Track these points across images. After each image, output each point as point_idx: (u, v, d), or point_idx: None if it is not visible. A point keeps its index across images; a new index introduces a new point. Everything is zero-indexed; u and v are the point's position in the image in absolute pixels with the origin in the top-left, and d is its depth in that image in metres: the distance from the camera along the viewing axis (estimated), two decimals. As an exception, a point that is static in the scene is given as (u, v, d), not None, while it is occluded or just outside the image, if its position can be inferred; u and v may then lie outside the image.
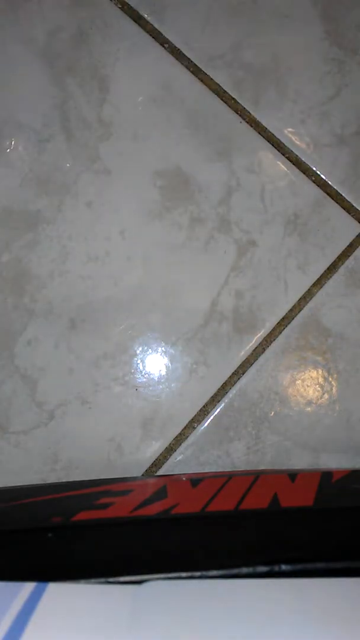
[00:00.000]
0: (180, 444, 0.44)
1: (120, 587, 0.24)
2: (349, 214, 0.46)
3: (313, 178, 0.46)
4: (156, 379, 0.45)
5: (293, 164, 0.46)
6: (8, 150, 0.45)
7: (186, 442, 0.45)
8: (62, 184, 0.45)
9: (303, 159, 0.46)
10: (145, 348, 0.45)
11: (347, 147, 0.47)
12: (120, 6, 0.46)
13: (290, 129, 0.46)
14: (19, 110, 0.45)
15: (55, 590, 0.24)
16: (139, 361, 0.45)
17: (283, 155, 0.46)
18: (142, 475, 0.44)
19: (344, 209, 0.46)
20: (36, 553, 0.28)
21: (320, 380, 0.45)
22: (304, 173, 0.46)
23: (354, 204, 0.46)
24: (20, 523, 0.31)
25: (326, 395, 0.45)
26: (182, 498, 0.32)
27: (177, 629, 0.22)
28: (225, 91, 0.46)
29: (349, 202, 0.46)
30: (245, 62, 0.46)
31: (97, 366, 0.44)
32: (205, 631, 0.22)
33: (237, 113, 0.46)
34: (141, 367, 0.45)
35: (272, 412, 0.45)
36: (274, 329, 0.46)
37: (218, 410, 0.45)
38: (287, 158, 0.46)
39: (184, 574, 0.26)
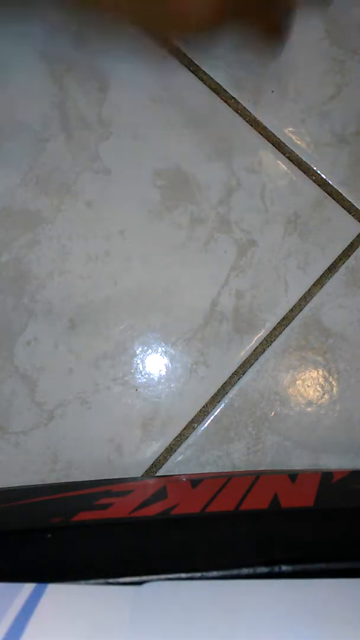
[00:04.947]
0: (180, 444, 0.44)
1: (121, 588, 0.24)
2: (350, 213, 0.46)
3: (313, 177, 0.46)
4: (156, 379, 0.45)
5: (293, 163, 0.46)
6: (7, 150, 0.45)
7: (186, 443, 0.44)
8: (61, 183, 0.45)
9: (303, 159, 0.46)
10: (145, 348, 0.45)
11: (348, 147, 0.46)
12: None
13: (290, 129, 0.46)
14: (18, 109, 0.45)
15: (55, 591, 0.24)
16: (138, 361, 0.45)
17: (283, 154, 0.46)
18: (142, 475, 0.44)
19: (345, 208, 0.46)
20: (36, 553, 0.28)
21: (321, 380, 0.45)
22: (305, 172, 0.46)
23: (355, 204, 0.46)
24: (20, 523, 0.31)
25: (326, 396, 0.45)
26: (182, 499, 0.32)
27: (178, 630, 0.22)
28: (225, 90, 0.46)
29: (349, 201, 0.46)
30: (246, 62, 0.46)
31: (96, 366, 0.44)
32: (206, 632, 0.22)
33: (237, 112, 0.46)
34: (141, 368, 0.45)
35: (273, 413, 0.45)
36: (274, 329, 0.45)
37: (218, 410, 0.45)
38: (288, 157, 0.46)
39: (184, 575, 0.26)
